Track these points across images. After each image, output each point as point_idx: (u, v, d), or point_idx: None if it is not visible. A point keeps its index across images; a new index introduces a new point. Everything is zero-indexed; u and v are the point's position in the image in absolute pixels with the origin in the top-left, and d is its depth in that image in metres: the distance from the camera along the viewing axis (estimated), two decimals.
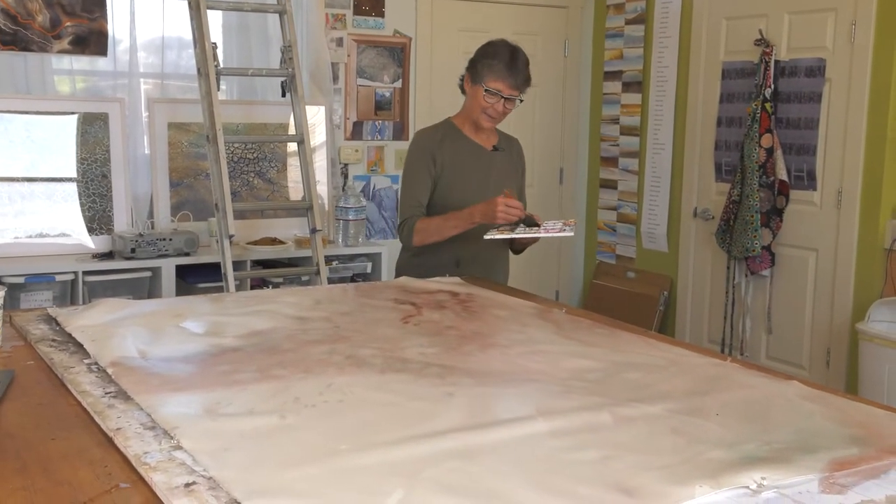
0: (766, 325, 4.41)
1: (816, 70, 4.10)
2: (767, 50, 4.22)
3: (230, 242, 3.70)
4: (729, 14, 4.51)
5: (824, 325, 4.16)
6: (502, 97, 2.90)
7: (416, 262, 3.03)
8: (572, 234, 2.77)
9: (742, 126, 4.34)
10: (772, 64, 4.20)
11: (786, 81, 4.21)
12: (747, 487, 1.25)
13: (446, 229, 2.89)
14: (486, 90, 2.90)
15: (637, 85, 5.03)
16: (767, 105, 4.20)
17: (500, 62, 2.89)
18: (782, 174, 4.20)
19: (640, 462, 1.34)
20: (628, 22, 5.06)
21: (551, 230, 2.76)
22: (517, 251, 3.14)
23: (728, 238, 4.35)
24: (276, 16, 3.99)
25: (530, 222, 2.77)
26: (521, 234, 2.75)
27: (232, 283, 3.67)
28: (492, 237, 2.75)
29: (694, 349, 2.10)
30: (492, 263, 3.07)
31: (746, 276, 4.42)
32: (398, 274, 3.08)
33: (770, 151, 4.20)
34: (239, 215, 3.91)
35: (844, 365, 4.07)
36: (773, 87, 4.21)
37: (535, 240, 2.90)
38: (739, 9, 4.45)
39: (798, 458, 1.35)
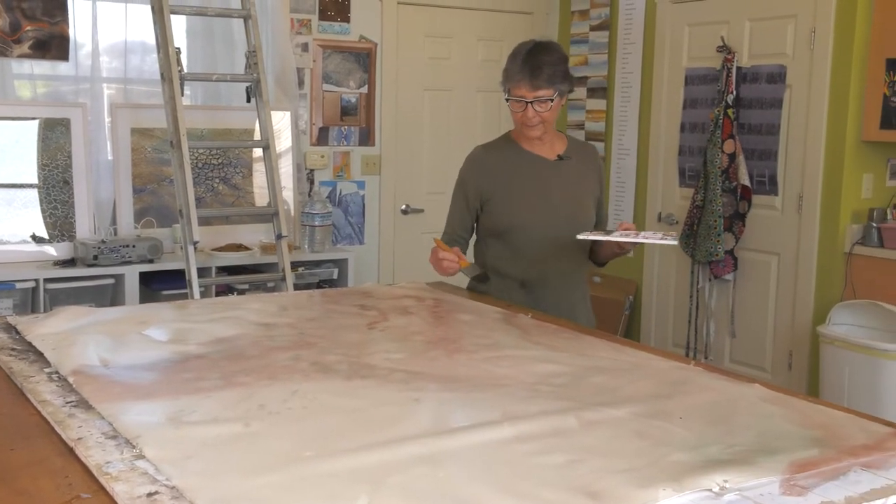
0: (729, 329, 4.46)
1: (777, 76, 4.16)
2: (729, 56, 4.28)
3: (195, 249, 3.67)
4: (691, 21, 4.56)
5: (786, 328, 4.22)
6: (527, 102, 2.57)
7: (475, 276, 2.79)
8: (675, 242, 2.47)
9: (705, 132, 4.39)
10: (734, 70, 4.26)
11: (747, 87, 4.27)
12: (710, 490, 1.27)
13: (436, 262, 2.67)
14: (508, 100, 2.63)
15: (602, 91, 5.07)
16: (730, 111, 4.25)
17: (514, 65, 2.59)
18: (745, 179, 4.25)
19: (605, 465, 1.35)
20: (593, 28, 5.10)
21: (651, 237, 2.52)
22: (600, 263, 2.84)
23: (692, 243, 4.39)
24: (241, 20, 3.97)
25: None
26: (618, 237, 2.49)
27: (196, 290, 3.64)
28: (584, 237, 2.51)
29: (658, 353, 2.11)
30: (563, 285, 2.73)
31: (710, 280, 4.46)
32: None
33: (732, 157, 4.25)
34: (204, 221, 3.87)
35: (806, 367, 4.13)
36: (735, 93, 4.26)
37: (624, 250, 2.65)
38: (702, 15, 4.50)
39: (760, 461, 1.37)
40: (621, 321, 4.90)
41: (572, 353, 2.03)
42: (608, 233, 2.53)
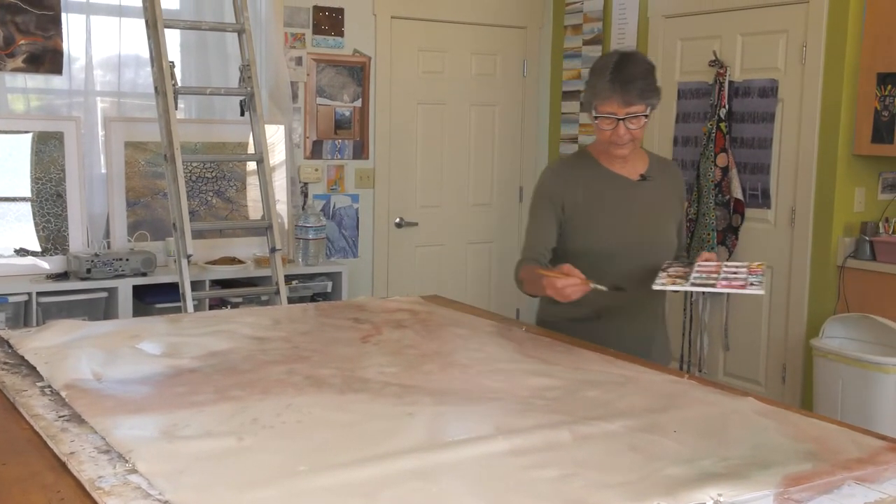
0: (723, 342, 4.46)
1: (769, 90, 4.18)
2: (721, 71, 4.30)
3: (188, 262, 3.66)
4: (684, 35, 4.58)
5: (780, 341, 4.22)
6: (618, 119, 2.33)
7: (550, 310, 2.55)
8: (762, 292, 2.12)
9: (698, 145, 4.41)
10: (726, 84, 4.28)
11: (740, 101, 4.29)
12: None
13: (537, 289, 2.37)
14: (596, 117, 2.38)
15: None
16: (722, 125, 4.27)
17: (602, 80, 2.34)
18: (737, 193, 4.26)
19: (599, 480, 1.35)
20: (586, 42, 5.12)
21: (733, 283, 2.14)
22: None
23: (685, 256, 4.40)
24: (235, 34, 3.97)
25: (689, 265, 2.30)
26: (693, 287, 2.17)
27: (190, 304, 3.63)
28: (661, 288, 2.21)
29: (652, 366, 2.11)
30: (641, 317, 2.50)
31: (704, 294, 4.47)
32: (537, 324, 2.60)
33: (725, 170, 4.27)
34: (197, 235, 3.87)
35: (800, 381, 4.14)
36: (727, 107, 4.28)
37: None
38: (694, 30, 4.53)
39: (753, 474, 1.37)
40: None
41: (566, 366, 2.03)
42: (686, 275, 2.22)
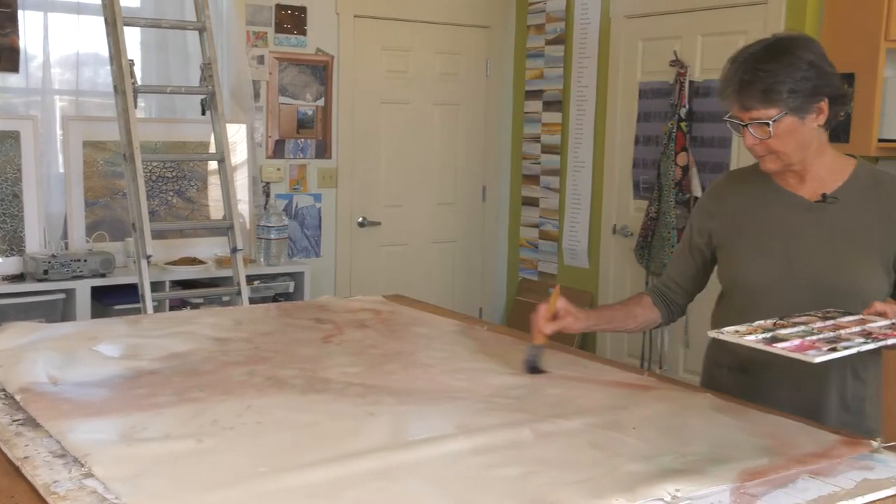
0: (683, 339, 4.51)
1: None
2: (682, 71, 4.34)
3: (148, 263, 3.62)
4: (645, 36, 4.62)
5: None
6: (741, 125, 1.87)
7: (709, 350, 2.23)
8: (814, 360, 1.47)
9: (659, 145, 4.45)
10: (686, 84, 4.32)
11: (700, 101, 4.33)
12: (662, 499, 1.28)
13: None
14: (724, 120, 1.93)
15: (557, 104, 5.11)
16: (683, 124, 4.31)
17: (724, 78, 1.90)
18: (697, 191, 4.31)
19: (560, 477, 1.36)
20: (548, 42, 5.15)
21: (808, 343, 1.53)
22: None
23: (646, 254, 4.44)
24: (196, 33, 3.94)
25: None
26: (761, 344, 1.55)
27: (150, 305, 3.59)
28: (714, 335, 1.66)
29: (613, 364, 2.14)
30: (802, 376, 1.91)
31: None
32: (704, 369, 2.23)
33: (685, 169, 4.31)
34: (157, 235, 3.83)
35: None
36: (687, 106, 4.33)
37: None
38: (655, 31, 4.57)
39: (711, 470, 1.39)
40: (577, 333, 4.92)
41: None
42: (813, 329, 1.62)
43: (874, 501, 1.33)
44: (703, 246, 2.11)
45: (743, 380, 2.01)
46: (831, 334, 1.58)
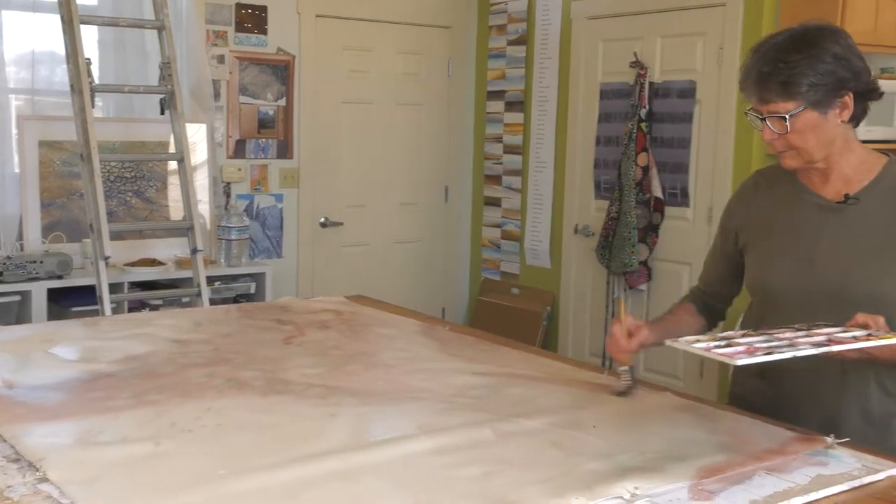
0: None
1: (688, 91, 4.27)
2: (642, 72, 4.38)
3: (106, 264, 3.58)
4: (606, 37, 4.65)
5: None
6: (760, 119, 1.79)
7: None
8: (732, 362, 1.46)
9: (619, 145, 4.48)
10: (646, 85, 4.36)
11: (660, 102, 4.37)
12: (621, 497, 1.29)
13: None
14: (746, 113, 1.85)
15: (519, 104, 5.13)
16: (643, 125, 4.35)
17: (745, 69, 1.81)
18: (657, 192, 4.35)
19: (520, 476, 1.37)
20: (510, 43, 5.16)
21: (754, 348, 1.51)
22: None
23: (607, 254, 4.48)
24: (155, 31, 3.90)
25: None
26: (701, 350, 1.49)
27: (108, 307, 3.55)
28: (673, 343, 1.57)
29: (574, 363, 2.15)
30: (818, 382, 1.80)
31: (625, 290, 4.55)
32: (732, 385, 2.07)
33: (646, 170, 4.35)
34: (116, 236, 3.78)
35: (716, 375, 4.24)
36: (647, 107, 4.36)
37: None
38: (616, 32, 4.60)
39: (669, 467, 1.40)
40: (540, 332, 4.95)
41: (490, 364, 2.04)
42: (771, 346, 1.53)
43: (828, 497, 1.35)
44: (731, 248, 2.01)
45: (762, 387, 1.89)
46: (786, 342, 1.53)
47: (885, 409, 1.79)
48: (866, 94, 1.76)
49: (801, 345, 1.51)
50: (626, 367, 1.87)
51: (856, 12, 3.69)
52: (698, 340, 1.53)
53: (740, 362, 1.44)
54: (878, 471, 1.44)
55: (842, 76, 1.71)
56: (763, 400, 1.84)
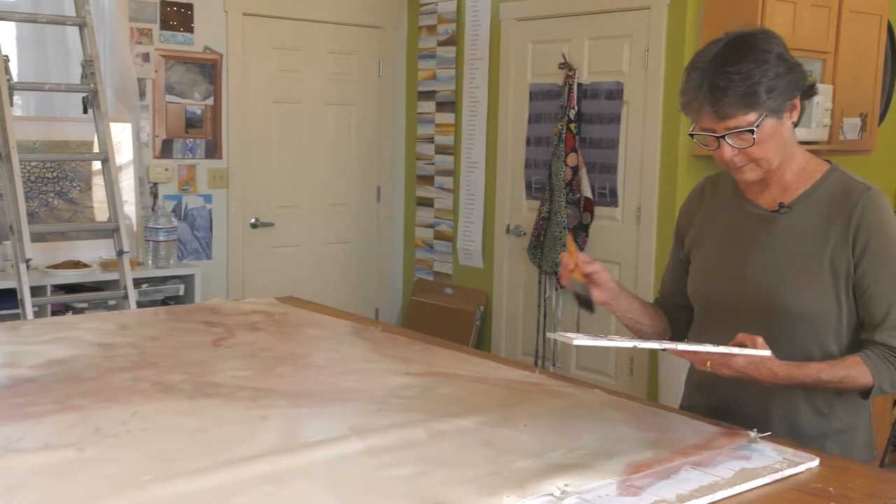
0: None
1: (615, 93, 4.34)
2: (571, 73, 4.43)
3: (27, 267, 3.48)
4: (535, 38, 4.70)
5: (627, 334, 4.38)
6: (717, 138, 1.68)
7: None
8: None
9: (549, 145, 4.53)
10: (575, 86, 4.41)
11: (588, 103, 4.43)
12: (552, 494, 1.30)
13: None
14: (692, 135, 1.74)
15: (450, 105, 5.15)
16: (572, 125, 4.40)
17: (691, 81, 1.68)
18: (587, 191, 4.41)
19: (452, 476, 1.37)
20: (440, 43, 5.17)
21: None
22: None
23: (539, 253, 4.52)
24: (76, 28, 3.80)
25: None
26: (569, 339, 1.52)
27: (30, 310, 3.45)
28: (557, 336, 1.55)
29: (506, 362, 2.16)
30: (749, 392, 1.75)
31: (557, 289, 4.60)
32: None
33: (575, 170, 4.40)
34: (37, 238, 3.68)
35: (646, 372, 4.31)
36: (576, 108, 4.42)
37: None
38: (545, 33, 4.64)
39: (599, 464, 1.42)
40: (473, 332, 4.97)
41: (422, 364, 2.04)
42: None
43: (751, 489, 1.39)
44: (682, 254, 1.96)
45: (701, 400, 1.88)
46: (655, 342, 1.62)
47: (818, 429, 1.75)
48: (807, 93, 1.72)
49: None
50: (581, 283, 1.77)
51: (775, 16, 3.79)
52: (578, 336, 1.53)
53: (577, 342, 1.48)
54: (798, 463, 1.49)
55: (791, 77, 1.67)
56: (704, 412, 1.81)
